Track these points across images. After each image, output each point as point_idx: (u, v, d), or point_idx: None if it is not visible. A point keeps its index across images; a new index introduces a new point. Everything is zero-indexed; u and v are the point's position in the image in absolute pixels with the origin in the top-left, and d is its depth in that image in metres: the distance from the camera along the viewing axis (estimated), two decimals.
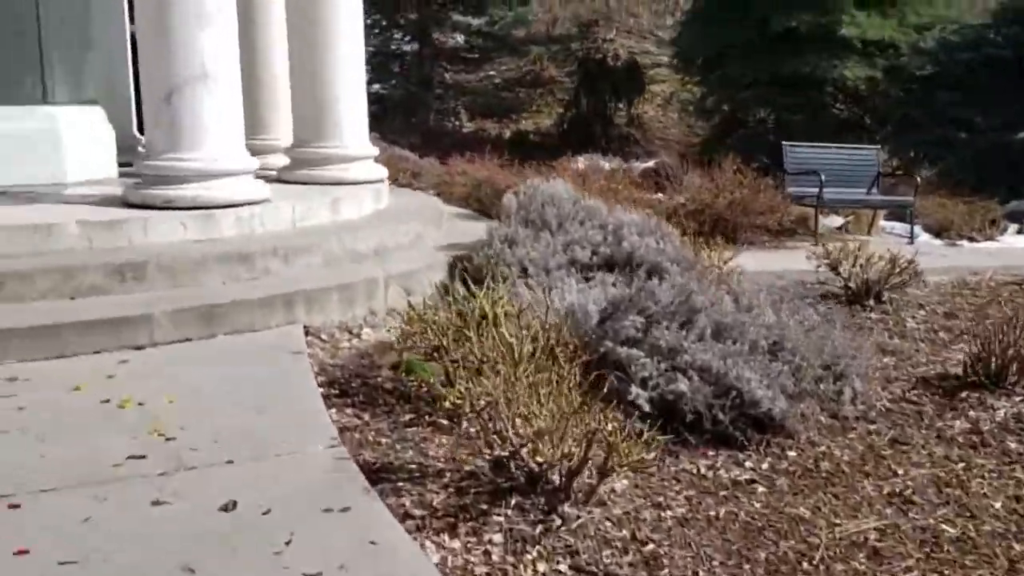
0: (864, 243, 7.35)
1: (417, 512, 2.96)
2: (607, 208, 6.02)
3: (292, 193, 6.20)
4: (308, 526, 2.63)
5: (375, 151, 7.36)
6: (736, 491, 3.42)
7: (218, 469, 2.99)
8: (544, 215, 5.78)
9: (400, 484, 3.13)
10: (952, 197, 11.09)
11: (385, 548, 2.56)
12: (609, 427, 3.14)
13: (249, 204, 5.44)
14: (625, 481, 3.33)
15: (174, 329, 4.23)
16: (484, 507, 3.02)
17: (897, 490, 3.53)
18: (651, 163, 13.90)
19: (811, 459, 3.73)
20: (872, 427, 4.09)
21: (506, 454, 3.11)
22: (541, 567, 2.77)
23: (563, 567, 2.79)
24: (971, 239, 9.34)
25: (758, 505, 3.33)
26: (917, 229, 9.27)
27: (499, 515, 2.99)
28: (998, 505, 3.47)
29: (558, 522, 2.98)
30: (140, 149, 8.28)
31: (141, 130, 8.58)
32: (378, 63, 20.16)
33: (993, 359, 4.48)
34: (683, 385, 3.71)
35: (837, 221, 9.77)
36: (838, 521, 3.26)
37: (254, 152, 5.77)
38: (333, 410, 3.72)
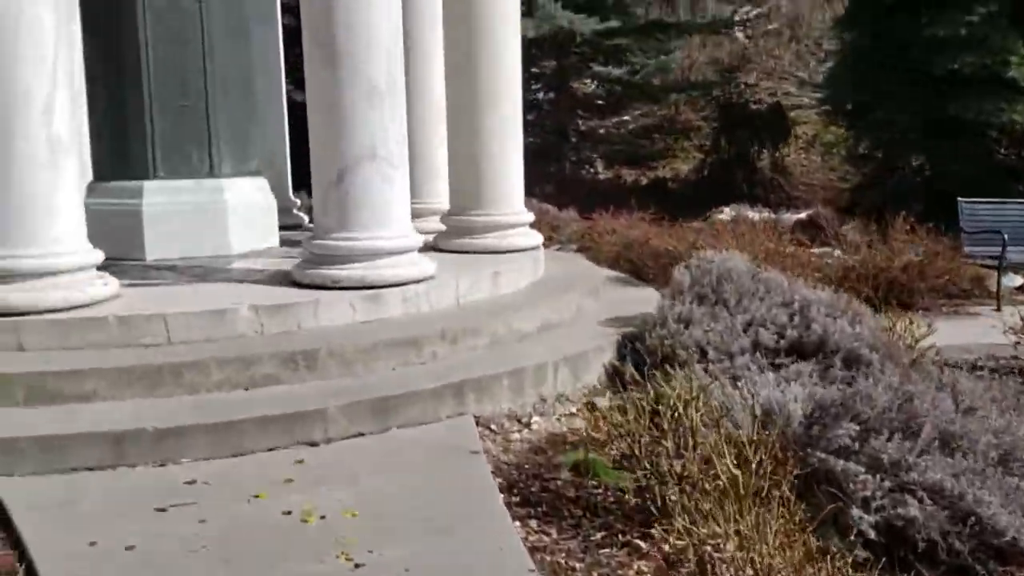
0: None
1: None
2: (787, 281, 5.62)
3: (452, 264, 6.05)
4: None
5: (531, 217, 7.17)
6: None
7: None
8: (721, 291, 5.41)
9: None
10: None
11: None
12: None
13: (415, 282, 5.29)
14: None
15: (348, 424, 4.07)
16: None
17: None
18: (803, 214, 13.29)
19: None
20: None
21: None
22: None
23: None
24: None
25: None
26: None
27: None
28: None
29: None
30: (296, 212, 8.44)
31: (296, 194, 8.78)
32: None
33: None
34: (914, 509, 3.27)
35: (1016, 281, 9.06)
36: None
37: (412, 215, 5.64)
38: (517, 523, 3.47)
